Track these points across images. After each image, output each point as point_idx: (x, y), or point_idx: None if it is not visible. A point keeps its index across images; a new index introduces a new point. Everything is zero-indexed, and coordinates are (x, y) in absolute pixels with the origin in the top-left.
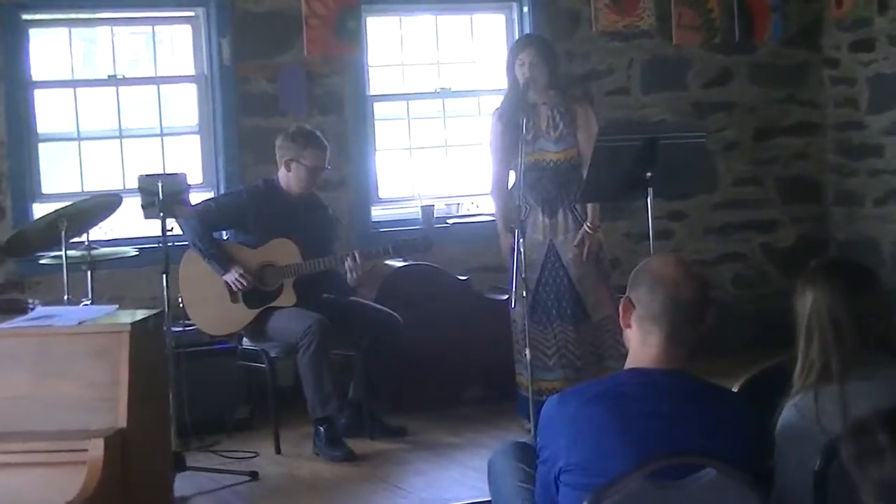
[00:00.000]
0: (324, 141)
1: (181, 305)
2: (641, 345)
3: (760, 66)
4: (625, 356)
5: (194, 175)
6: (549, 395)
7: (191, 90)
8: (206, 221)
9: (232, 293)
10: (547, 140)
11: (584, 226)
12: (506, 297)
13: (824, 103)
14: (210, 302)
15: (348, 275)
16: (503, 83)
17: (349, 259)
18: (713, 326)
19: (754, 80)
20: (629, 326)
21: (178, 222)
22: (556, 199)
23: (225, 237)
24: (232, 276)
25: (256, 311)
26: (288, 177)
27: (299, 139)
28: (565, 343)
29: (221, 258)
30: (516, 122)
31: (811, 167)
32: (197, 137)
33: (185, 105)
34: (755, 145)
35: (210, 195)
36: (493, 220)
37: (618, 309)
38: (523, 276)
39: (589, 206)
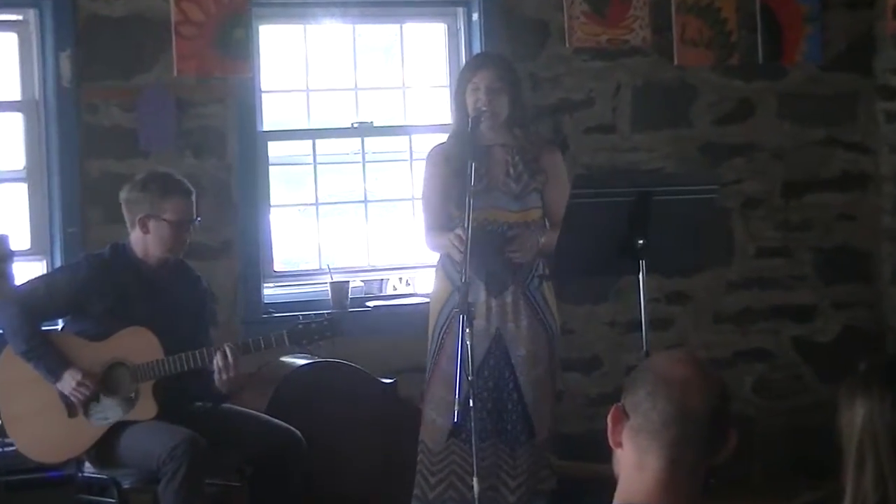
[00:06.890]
0: (186, 184)
1: None
2: (636, 470)
3: (792, 95)
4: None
5: (20, 238)
6: None
7: (16, 121)
8: (30, 310)
9: (69, 405)
10: (505, 195)
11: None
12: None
13: (877, 147)
14: (39, 416)
15: (216, 376)
16: (445, 117)
17: (218, 355)
18: (733, 450)
19: (783, 114)
20: (619, 445)
21: None
22: (505, 273)
23: (60, 325)
24: (68, 385)
25: (104, 427)
26: (145, 240)
27: (153, 186)
28: (497, 471)
29: (51, 360)
30: (465, 168)
31: (860, 233)
32: (24, 186)
33: (8, 142)
34: (785, 203)
35: (41, 265)
36: (428, 301)
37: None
38: (469, 377)
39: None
